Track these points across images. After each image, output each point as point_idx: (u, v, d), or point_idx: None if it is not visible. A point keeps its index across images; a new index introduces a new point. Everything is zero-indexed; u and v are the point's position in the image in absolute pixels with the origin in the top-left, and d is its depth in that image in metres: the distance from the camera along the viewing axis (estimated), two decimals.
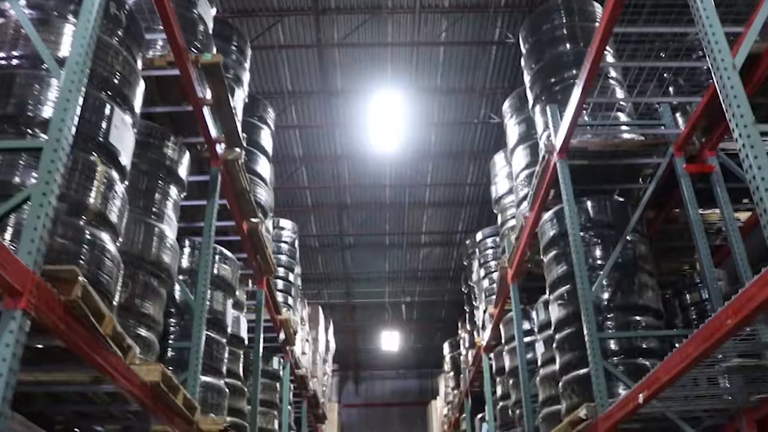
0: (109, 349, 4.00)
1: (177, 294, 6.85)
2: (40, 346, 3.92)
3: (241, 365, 8.86)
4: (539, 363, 8.79)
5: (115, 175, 4.53)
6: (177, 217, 6.37)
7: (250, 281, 10.88)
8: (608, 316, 6.84)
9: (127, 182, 4.97)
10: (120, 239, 4.66)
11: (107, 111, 4.52)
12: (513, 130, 10.75)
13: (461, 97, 16.73)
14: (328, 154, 18.78)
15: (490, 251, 13.73)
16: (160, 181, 6.07)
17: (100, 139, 4.42)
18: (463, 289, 18.58)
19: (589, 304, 6.56)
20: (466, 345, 17.69)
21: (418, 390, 32.74)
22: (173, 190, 6.26)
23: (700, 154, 7.44)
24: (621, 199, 7.73)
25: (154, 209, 5.91)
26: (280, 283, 12.95)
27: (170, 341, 6.57)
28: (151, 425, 5.87)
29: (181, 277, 6.96)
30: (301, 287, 14.76)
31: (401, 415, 32.03)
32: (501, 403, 12.09)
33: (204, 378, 6.76)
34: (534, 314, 9.32)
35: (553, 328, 7.64)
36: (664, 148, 7.64)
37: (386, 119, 16.80)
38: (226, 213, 8.79)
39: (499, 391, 12.33)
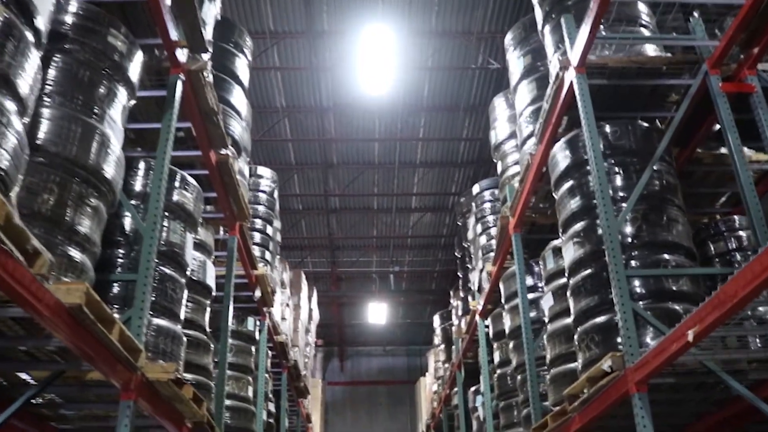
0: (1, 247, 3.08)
1: (127, 223, 5.97)
2: None
3: (207, 318, 7.96)
4: (547, 318, 7.95)
5: (26, 33, 3.60)
6: (124, 124, 5.48)
7: (221, 229, 9.98)
8: (633, 254, 6.00)
9: (43, 51, 4.06)
10: (28, 116, 3.73)
11: None
12: (517, 63, 9.82)
13: (458, 40, 15.70)
14: (314, 105, 17.76)
15: (488, 205, 12.82)
16: (104, 77, 5.17)
17: None
18: (456, 254, 17.73)
19: (614, 236, 5.69)
20: (459, 313, 16.84)
21: (406, 368, 32.13)
22: (121, 92, 5.37)
23: (736, 74, 6.58)
24: (645, 124, 6.84)
25: (95, 109, 5.01)
26: (257, 237, 12.02)
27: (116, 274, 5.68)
28: (86, 372, 5.00)
29: (133, 202, 6.08)
30: (280, 242, 13.82)
31: (388, 394, 31.45)
32: (499, 371, 11.23)
33: (155, 320, 5.86)
34: (540, 264, 8.46)
35: (567, 272, 6.78)
36: (696, 66, 6.79)
37: (377, 64, 15.72)
38: (192, 142, 7.90)
39: (496, 357, 11.48)
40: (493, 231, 12.04)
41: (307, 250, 25.39)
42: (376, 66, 15.79)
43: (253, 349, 11.20)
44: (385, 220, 23.43)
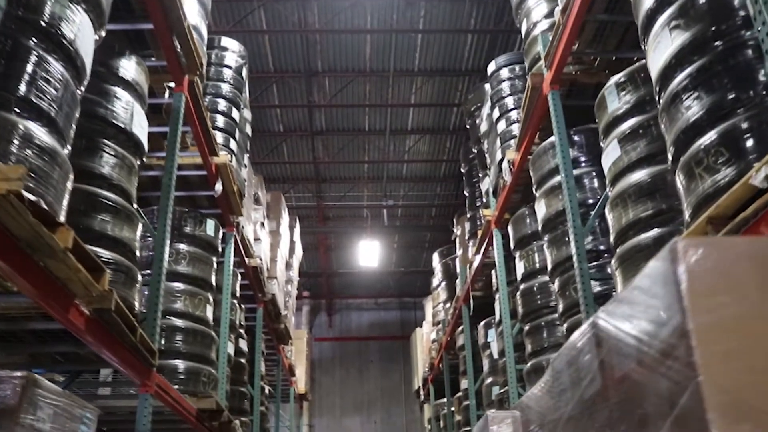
0: None
1: None
2: None
3: (134, 181, 5.98)
4: (609, 181, 5.96)
5: None
6: None
7: (167, 89, 7.87)
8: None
9: None
10: None
11: None
12: None
13: None
14: None
15: (506, 84, 10.63)
16: None
17: None
18: (462, 169, 15.74)
19: None
20: (466, 237, 14.83)
21: (399, 322, 30.50)
22: None
23: None
24: None
25: None
26: (220, 121, 9.86)
27: None
28: None
29: None
30: (250, 136, 11.68)
31: (380, 351, 30.03)
32: (523, 286, 9.27)
33: (20, 121, 3.79)
34: (596, 111, 6.43)
35: (658, 79, 4.68)
36: None
37: None
38: None
39: (519, 270, 9.49)
40: (514, 114, 10.08)
41: (290, 183, 23.10)
42: None
43: (214, 260, 9.17)
44: (378, 144, 21.12)
